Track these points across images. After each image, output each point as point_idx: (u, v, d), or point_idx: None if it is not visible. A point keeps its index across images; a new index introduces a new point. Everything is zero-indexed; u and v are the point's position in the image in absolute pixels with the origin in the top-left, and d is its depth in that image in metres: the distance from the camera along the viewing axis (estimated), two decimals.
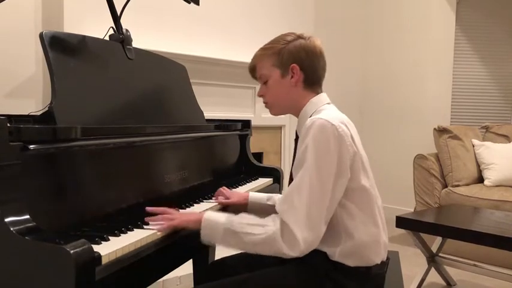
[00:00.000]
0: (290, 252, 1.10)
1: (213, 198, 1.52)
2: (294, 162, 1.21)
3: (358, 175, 1.18)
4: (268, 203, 1.50)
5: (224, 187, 1.57)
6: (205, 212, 1.22)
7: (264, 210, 1.47)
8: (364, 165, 1.21)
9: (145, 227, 1.14)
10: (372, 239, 1.20)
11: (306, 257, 1.21)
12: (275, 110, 1.35)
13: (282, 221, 1.11)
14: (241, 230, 1.14)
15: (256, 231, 1.12)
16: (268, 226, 1.12)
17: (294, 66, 1.26)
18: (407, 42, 4.09)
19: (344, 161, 1.14)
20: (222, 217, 1.18)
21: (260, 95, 1.35)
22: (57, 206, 1.02)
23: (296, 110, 1.32)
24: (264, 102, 1.35)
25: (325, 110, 1.26)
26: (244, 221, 1.16)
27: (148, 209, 1.23)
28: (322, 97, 1.31)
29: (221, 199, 1.50)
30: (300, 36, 1.29)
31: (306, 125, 1.16)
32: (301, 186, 1.12)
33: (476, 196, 3.08)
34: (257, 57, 1.33)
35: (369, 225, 1.20)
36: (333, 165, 1.13)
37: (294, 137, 1.33)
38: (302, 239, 1.09)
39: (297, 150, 1.20)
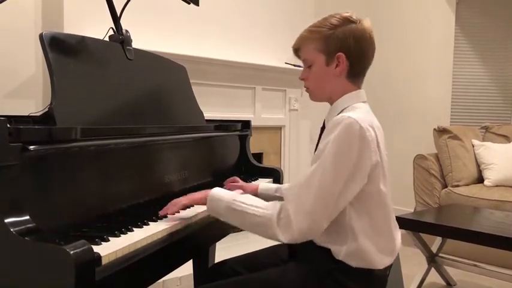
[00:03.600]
0: (282, 237, 1.11)
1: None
2: (315, 153, 1.19)
3: (377, 182, 1.15)
4: (277, 194, 1.52)
5: (235, 177, 1.63)
6: (212, 188, 1.25)
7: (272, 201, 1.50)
8: (385, 173, 1.18)
9: (150, 223, 1.18)
10: (378, 245, 1.17)
11: (308, 255, 1.21)
12: (315, 97, 1.31)
13: (283, 207, 1.12)
14: (242, 209, 1.16)
15: (255, 212, 1.14)
16: (267, 210, 1.13)
17: (340, 55, 1.21)
18: (407, 42, 4.09)
19: (363, 166, 1.11)
20: (227, 195, 1.21)
21: (302, 79, 1.31)
22: (57, 206, 1.02)
23: (333, 100, 1.27)
24: (305, 87, 1.32)
25: (358, 108, 1.21)
26: (246, 201, 1.18)
27: (161, 212, 1.26)
28: (359, 94, 1.26)
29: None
30: (348, 19, 1.22)
31: (335, 120, 1.13)
32: (312, 180, 1.11)
33: (476, 196, 3.08)
34: (302, 39, 1.27)
35: (378, 231, 1.18)
36: (349, 167, 1.10)
37: (321, 126, 1.30)
38: (297, 228, 1.09)
39: (320, 142, 1.19)
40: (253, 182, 1.85)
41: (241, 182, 1.63)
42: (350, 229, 1.16)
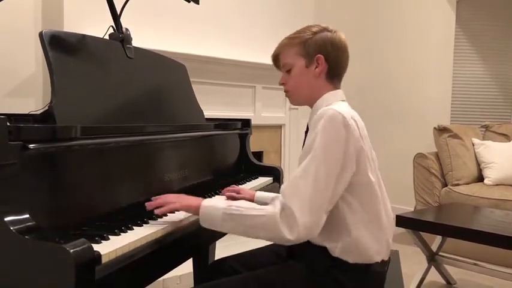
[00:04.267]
0: (288, 235, 1.08)
1: (221, 194, 1.57)
2: (302, 151, 1.21)
3: (364, 170, 1.18)
4: None
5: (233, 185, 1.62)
6: (205, 198, 1.23)
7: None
8: (371, 162, 1.21)
9: (150, 222, 1.18)
10: (372, 236, 1.19)
11: (307, 254, 1.21)
12: (295, 100, 1.35)
13: (284, 204, 1.10)
14: (240, 213, 1.13)
15: (255, 213, 1.12)
16: (268, 210, 1.11)
17: (319, 57, 1.26)
18: (407, 42, 4.08)
19: (350, 153, 1.14)
20: (221, 202, 1.19)
21: (281, 84, 1.35)
22: (57, 205, 1.02)
23: (313, 102, 1.31)
24: (285, 91, 1.35)
25: (336, 104, 1.25)
26: (243, 205, 1.16)
27: (148, 204, 1.23)
28: (338, 94, 1.31)
29: (229, 194, 1.53)
30: (325, 29, 1.29)
31: (318, 115, 1.16)
32: (307, 172, 1.12)
33: (476, 195, 3.08)
34: (282, 46, 1.33)
35: (370, 222, 1.19)
36: (340, 155, 1.13)
37: (305, 130, 1.32)
38: (302, 223, 1.08)
39: (306, 139, 1.20)
40: (252, 181, 1.85)
41: (236, 187, 1.60)
42: (343, 223, 1.18)
